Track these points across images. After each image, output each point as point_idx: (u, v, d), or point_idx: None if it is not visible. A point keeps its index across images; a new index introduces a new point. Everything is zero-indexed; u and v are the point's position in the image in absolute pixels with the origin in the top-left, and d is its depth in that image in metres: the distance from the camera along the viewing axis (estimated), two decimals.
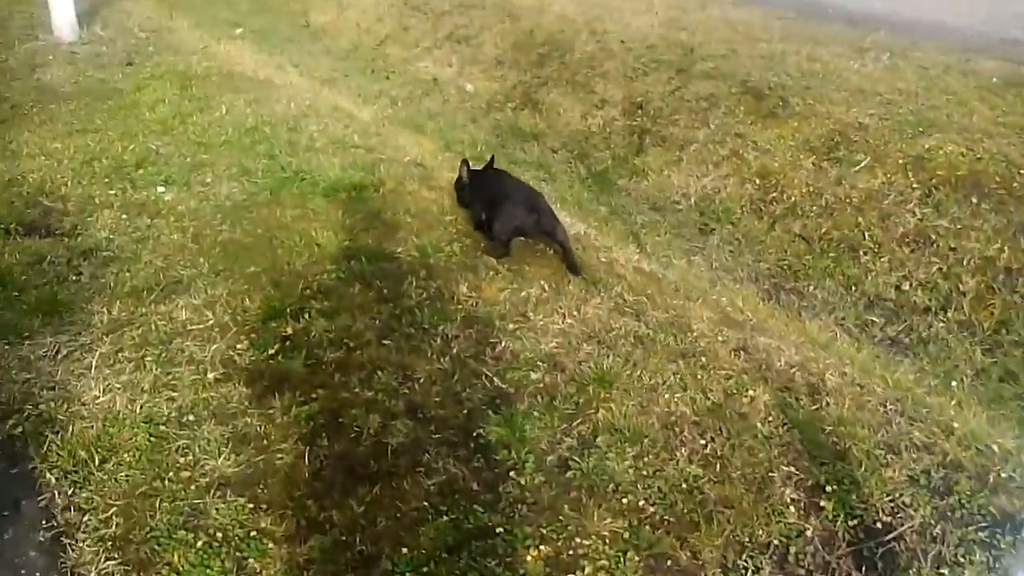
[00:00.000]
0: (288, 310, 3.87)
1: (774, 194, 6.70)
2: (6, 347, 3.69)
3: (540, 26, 9.97)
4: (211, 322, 3.85)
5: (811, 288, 5.81)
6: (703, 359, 3.75)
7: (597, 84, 8.56)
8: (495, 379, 3.49)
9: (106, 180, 5.30)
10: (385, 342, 3.71)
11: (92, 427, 3.25)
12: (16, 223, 4.78)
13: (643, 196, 7.08)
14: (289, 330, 3.75)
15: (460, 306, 3.98)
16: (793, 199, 6.58)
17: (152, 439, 3.22)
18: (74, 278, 4.25)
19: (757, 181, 6.83)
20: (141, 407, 3.36)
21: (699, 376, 3.62)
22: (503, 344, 3.72)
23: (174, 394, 3.43)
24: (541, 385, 3.48)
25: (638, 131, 7.78)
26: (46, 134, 5.99)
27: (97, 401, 3.39)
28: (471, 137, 7.91)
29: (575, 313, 4.03)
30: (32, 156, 5.65)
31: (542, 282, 4.25)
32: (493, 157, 4.92)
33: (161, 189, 5.17)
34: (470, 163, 4.76)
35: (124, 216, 4.86)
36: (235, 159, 5.59)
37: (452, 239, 4.60)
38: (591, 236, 5.25)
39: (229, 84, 7.14)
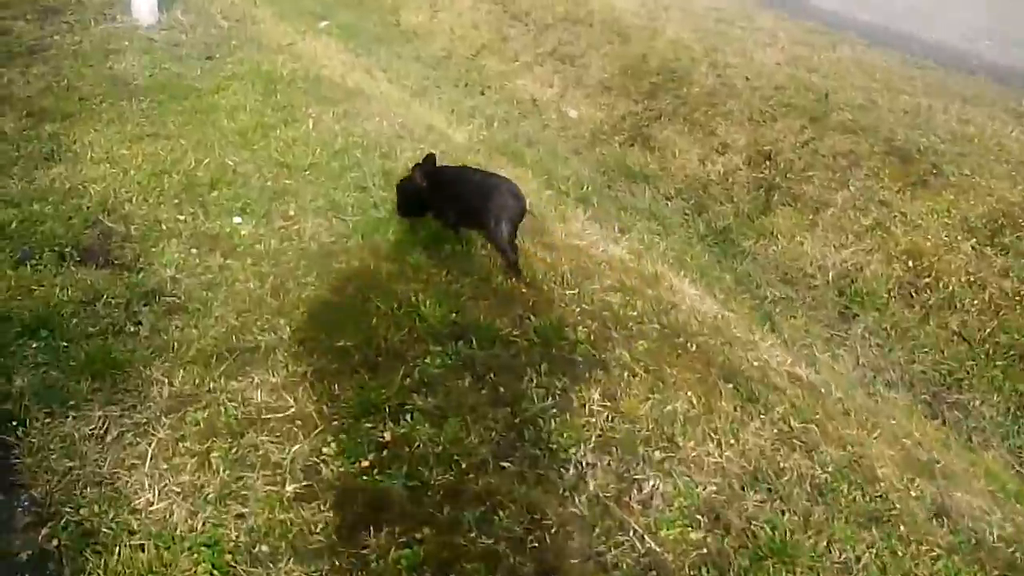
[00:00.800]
0: (387, 406, 3.25)
1: (927, 279, 5.96)
2: (48, 420, 3.13)
3: (653, 51, 9.31)
4: (292, 411, 3.26)
5: (977, 403, 5.07)
6: (900, 527, 3.07)
7: (718, 125, 7.87)
8: (645, 537, 2.83)
9: (176, 201, 4.76)
10: (505, 464, 3.08)
11: (144, 549, 2.66)
12: (72, 246, 4.27)
13: (772, 263, 6.38)
14: (387, 435, 3.15)
15: (593, 419, 3.34)
16: (951, 288, 5.84)
17: (215, 573, 2.61)
18: (132, 329, 3.70)
19: (906, 261, 6.10)
20: (204, 524, 2.79)
21: (899, 553, 2.94)
22: (651, 483, 3.08)
23: (244, 509, 2.85)
24: (704, 551, 2.82)
25: (765, 185, 7.08)
26: (113, 136, 5.47)
27: (151, 509, 2.84)
28: (574, 173, 7.28)
29: (732, 441, 3.37)
30: (96, 162, 5.14)
31: (688, 392, 3.58)
32: (433, 155, 4.42)
33: (237, 220, 4.61)
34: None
35: (194, 250, 4.31)
36: (322, 188, 5.02)
37: (576, 320, 3.95)
38: (729, 321, 4.56)
39: (316, 92, 6.58)
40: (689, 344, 3.93)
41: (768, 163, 7.28)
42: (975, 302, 5.72)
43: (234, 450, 3.08)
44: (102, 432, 3.14)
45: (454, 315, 3.90)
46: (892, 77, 8.88)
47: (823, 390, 4.04)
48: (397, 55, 10.07)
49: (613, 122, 8.33)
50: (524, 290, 4.18)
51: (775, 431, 3.48)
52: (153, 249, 4.31)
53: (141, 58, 6.88)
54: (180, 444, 3.11)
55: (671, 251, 6.17)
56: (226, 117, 5.86)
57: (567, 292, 4.20)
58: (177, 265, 4.17)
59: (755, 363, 4.02)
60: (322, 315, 3.81)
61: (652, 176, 7.45)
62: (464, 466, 3.04)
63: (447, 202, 4.42)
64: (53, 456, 3.01)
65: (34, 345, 3.55)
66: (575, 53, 9.59)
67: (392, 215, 4.72)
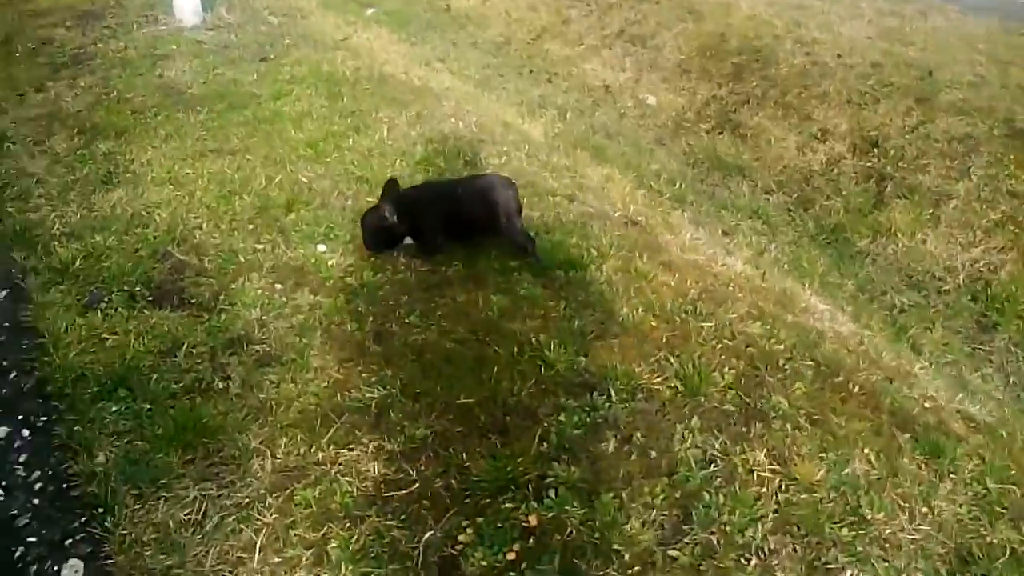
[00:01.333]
0: (526, 480, 2.85)
1: None
2: (137, 505, 2.78)
3: (730, 29, 8.79)
4: (416, 487, 2.87)
5: None
6: None
7: (814, 109, 7.35)
8: None
9: (251, 227, 4.39)
10: (673, 552, 2.65)
11: None
12: (142, 283, 3.92)
13: (893, 265, 5.89)
14: (532, 519, 2.75)
15: (764, 489, 2.90)
16: None
17: None
18: (220, 384, 3.34)
19: None
20: None
21: None
22: (847, 572, 2.63)
23: None
24: None
25: (875, 176, 6.58)
26: (173, 153, 5.12)
27: None
28: (662, 167, 6.82)
29: (925, 510, 2.94)
30: (158, 183, 4.79)
31: (863, 447, 3.15)
32: (395, 181, 4.13)
33: (322, 248, 4.23)
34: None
35: (279, 286, 3.93)
36: None
37: (720, 359, 3.51)
38: (877, 346, 4.10)
39: (384, 92, 6.19)
40: (851, 384, 3.49)
41: (875, 151, 6.77)
42: None
43: (355, 539, 2.70)
44: (199, 517, 2.79)
45: (582, 359, 3.48)
46: (997, 48, 8.30)
47: (1003, 433, 3.56)
48: (452, 42, 9.65)
49: (697, 108, 7.84)
50: (654, 323, 3.74)
51: (970, 495, 3.04)
52: (232, 285, 3.94)
53: (191, 63, 6.52)
54: (291, 531, 2.74)
55: (783, 256, 5.70)
56: (292, 126, 5.48)
57: (703, 325, 3.75)
58: (262, 304, 3.79)
59: (925, 404, 3.56)
60: (435, 364, 3.41)
61: (747, 168, 6.97)
62: (627, 558, 2.63)
63: (431, 223, 4.11)
64: (148, 552, 2.66)
65: (113, 409, 3.20)
66: (645, 34, 9.09)
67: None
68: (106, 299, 3.83)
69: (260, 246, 4.26)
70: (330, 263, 4.13)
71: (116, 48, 6.75)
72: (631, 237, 4.56)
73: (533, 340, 3.56)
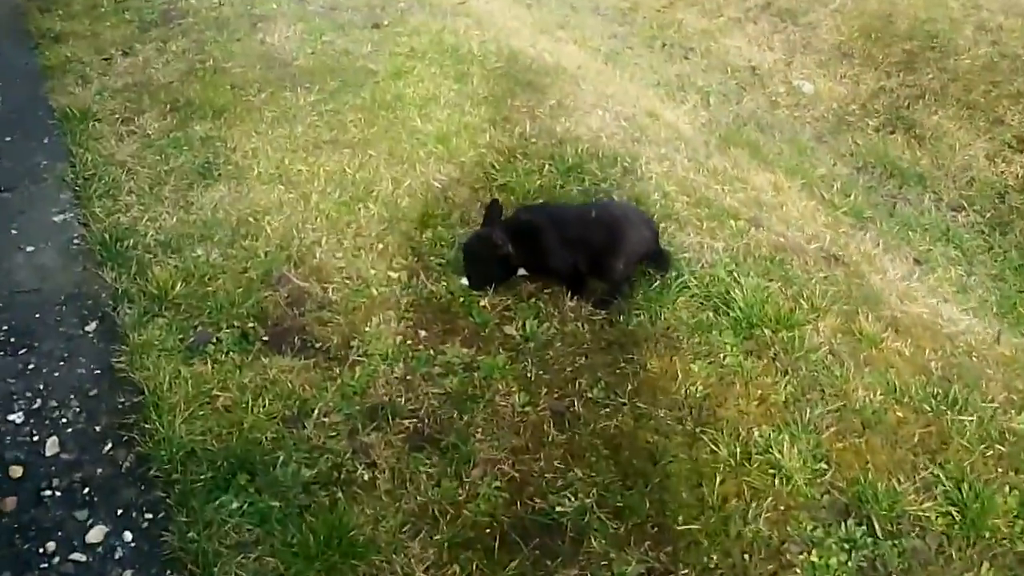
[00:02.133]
0: None
1: None
2: None
3: (898, 9, 7.90)
4: None
5: None
6: None
7: (1005, 111, 6.49)
8: None
9: (380, 245, 3.78)
10: None
11: None
12: (255, 318, 3.34)
13: None
14: None
15: None
16: None
17: None
18: (365, 475, 2.75)
19: None
20: None
21: None
22: None
23: None
24: None
25: None
26: (282, 142, 4.50)
27: None
28: (829, 171, 6.02)
29: None
30: (266, 181, 4.19)
31: None
32: (498, 202, 3.59)
33: (464, 282, 3.55)
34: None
35: (423, 333, 3.33)
36: None
37: (998, 474, 2.79)
38: None
39: (515, 74, 5.50)
40: None
41: None
42: None
43: None
44: None
45: (823, 465, 2.78)
46: None
47: None
48: (571, 7, 8.86)
49: (862, 100, 7.00)
50: (900, 414, 3.02)
51: None
52: (366, 328, 3.33)
53: (295, 27, 5.88)
54: None
55: (988, 294, 4.92)
56: (418, 115, 4.82)
57: (961, 419, 3.03)
58: (405, 358, 3.16)
59: None
60: (637, 466, 2.76)
61: (927, 177, 6.15)
62: None
63: (563, 256, 3.46)
64: None
65: (234, 506, 2.58)
66: (796, 9, 8.23)
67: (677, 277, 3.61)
68: (214, 339, 3.23)
69: (394, 274, 3.62)
70: (482, 304, 3.46)
71: (210, 5, 6.12)
72: (840, 282, 3.84)
73: (757, 435, 2.88)
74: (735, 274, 3.71)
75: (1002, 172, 6.09)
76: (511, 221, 3.54)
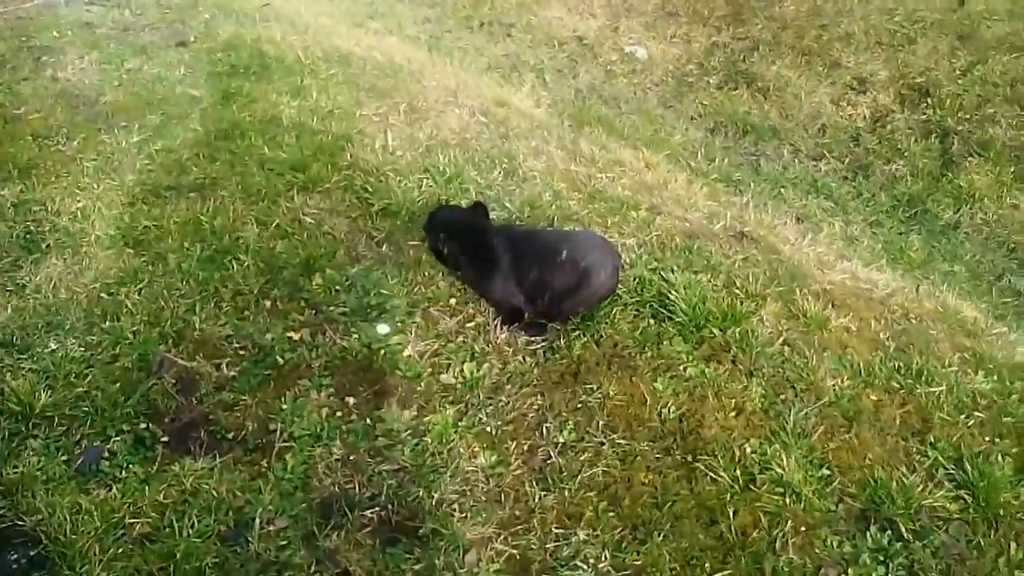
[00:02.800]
0: None
1: None
2: None
3: None
4: None
5: None
6: None
7: (840, 54, 6.70)
8: None
9: (267, 302, 3.42)
10: None
11: None
12: (146, 418, 3.02)
13: (990, 239, 5.31)
14: None
15: None
16: None
17: None
18: None
19: None
20: None
21: None
22: None
23: None
24: None
25: (936, 131, 5.99)
26: (113, 196, 4.11)
27: None
28: (684, 137, 6.02)
29: None
30: (107, 245, 3.77)
31: None
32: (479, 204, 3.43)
33: (383, 329, 3.29)
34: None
35: (349, 400, 2.97)
36: None
37: (986, 443, 2.80)
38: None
39: (353, 78, 5.22)
40: None
41: (928, 101, 6.19)
42: None
43: None
44: None
45: (826, 472, 2.69)
46: None
47: None
48: None
49: (698, 59, 7.05)
50: (874, 397, 2.97)
51: None
52: (281, 405, 2.97)
53: (89, 57, 5.31)
54: None
55: (871, 240, 5.04)
56: (264, 142, 4.41)
57: (932, 391, 3.02)
58: (339, 432, 2.82)
59: None
60: (641, 514, 2.59)
61: (780, 129, 6.25)
62: None
63: (507, 288, 3.27)
64: None
65: None
66: None
67: None
68: (105, 453, 2.80)
69: (294, 334, 3.25)
70: (405, 353, 3.16)
71: None
72: (760, 262, 3.77)
73: (750, 452, 2.75)
74: (660, 272, 3.57)
75: (850, 115, 6.28)
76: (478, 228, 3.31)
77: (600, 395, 2.97)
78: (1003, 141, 5.79)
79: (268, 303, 3.42)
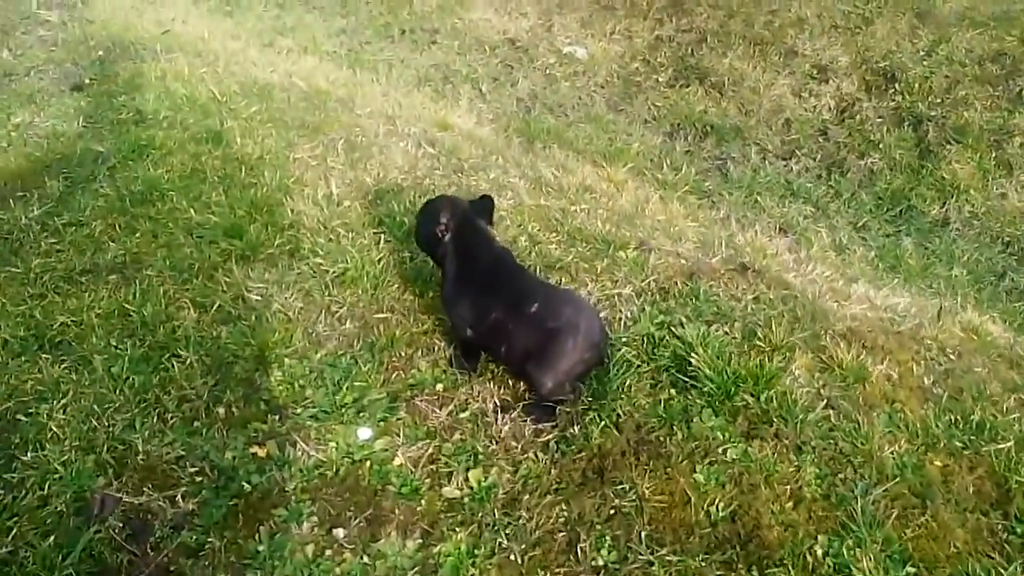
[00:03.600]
0: None
1: None
2: None
3: None
4: None
5: None
6: None
7: (795, 41, 6.43)
8: None
9: (219, 409, 3.00)
10: None
11: None
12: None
13: (983, 234, 5.10)
14: None
15: None
16: None
17: None
18: None
19: None
20: None
21: None
22: None
23: None
24: None
25: (907, 118, 5.76)
26: (16, 287, 3.57)
27: None
28: (641, 144, 5.69)
29: None
30: (17, 351, 3.29)
31: None
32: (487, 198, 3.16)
33: (365, 434, 2.89)
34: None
35: (339, 532, 2.60)
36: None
37: None
38: None
39: (278, 114, 4.77)
40: None
41: (895, 86, 5.94)
42: None
43: None
44: None
45: (912, 572, 2.37)
46: None
47: None
48: (278, 5, 7.98)
49: (642, 55, 6.74)
50: (937, 462, 2.67)
51: None
52: (257, 547, 2.54)
53: None
54: None
55: (863, 248, 4.78)
56: (186, 202, 3.93)
57: (1000, 447, 2.72)
58: (339, 574, 2.41)
59: None
60: None
61: (742, 127, 5.95)
62: None
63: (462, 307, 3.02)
64: None
65: None
66: None
67: None
68: None
69: (259, 450, 2.82)
70: (396, 462, 2.76)
71: None
72: (772, 300, 3.46)
73: (819, 552, 2.41)
74: (669, 327, 3.21)
75: (814, 107, 6.03)
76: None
77: (635, 496, 2.61)
78: (979, 125, 5.59)
79: (221, 410, 2.97)
